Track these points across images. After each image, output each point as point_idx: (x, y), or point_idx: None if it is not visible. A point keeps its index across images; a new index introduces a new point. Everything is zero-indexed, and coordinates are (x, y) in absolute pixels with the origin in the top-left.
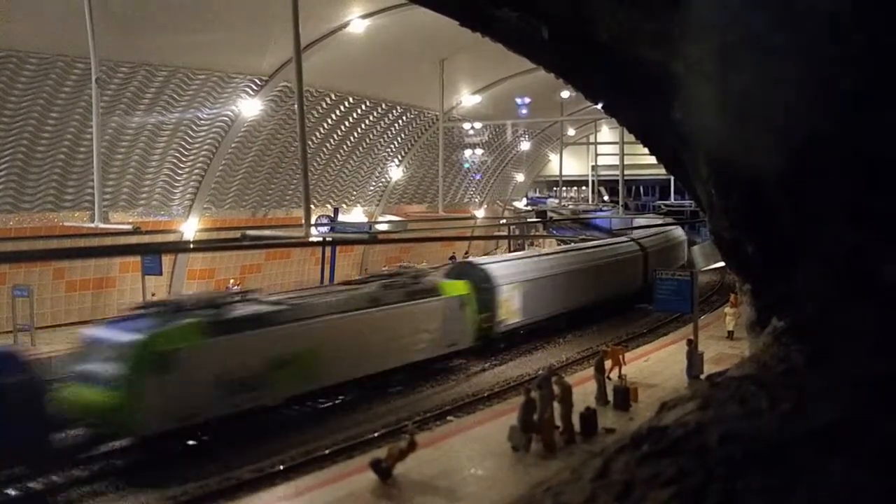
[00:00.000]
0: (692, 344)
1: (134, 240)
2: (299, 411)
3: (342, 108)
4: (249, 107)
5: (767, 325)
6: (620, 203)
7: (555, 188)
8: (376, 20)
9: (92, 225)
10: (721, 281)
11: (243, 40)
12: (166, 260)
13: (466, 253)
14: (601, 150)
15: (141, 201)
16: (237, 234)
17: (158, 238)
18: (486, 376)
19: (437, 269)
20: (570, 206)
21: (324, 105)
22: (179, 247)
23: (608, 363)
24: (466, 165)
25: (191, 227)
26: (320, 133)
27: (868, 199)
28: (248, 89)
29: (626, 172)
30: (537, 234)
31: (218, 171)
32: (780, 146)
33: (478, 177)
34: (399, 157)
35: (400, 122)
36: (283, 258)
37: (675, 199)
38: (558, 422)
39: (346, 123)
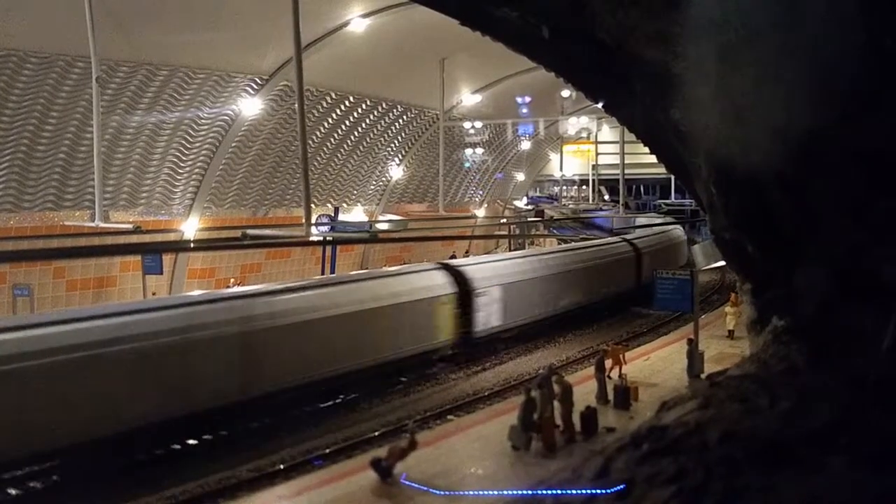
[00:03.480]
0: (693, 343)
1: (134, 239)
2: (299, 410)
3: (343, 107)
4: (250, 106)
5: (768, 324)
6: (621, 202)
7: (555, 187)
8: (377, 19)
9: (92, 224)
10: (721, 280)
11: (244, 40)
12: (167, 259)
13: (467, 252)
14: (602, 149)
15: (141, 200)
16: (238, 233)
17: (159, 237)
18: (487, 375)
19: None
20: (571, 206)
21: (324, 104)
22: (180, 246)
23: (608, 362)
24: (467, 165)
25: (191, 227)
26: (321, 132)
27: (868, 198)
28: (248, 88)
29: (626, 172)
30: (537, 233)
31: (218, 170)
32: (779, 145)
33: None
34: (399, 156)
35: (400, 121)
36: (283, 257)
37: (675, 199)
38: (559, 421)
39: (347, 122)
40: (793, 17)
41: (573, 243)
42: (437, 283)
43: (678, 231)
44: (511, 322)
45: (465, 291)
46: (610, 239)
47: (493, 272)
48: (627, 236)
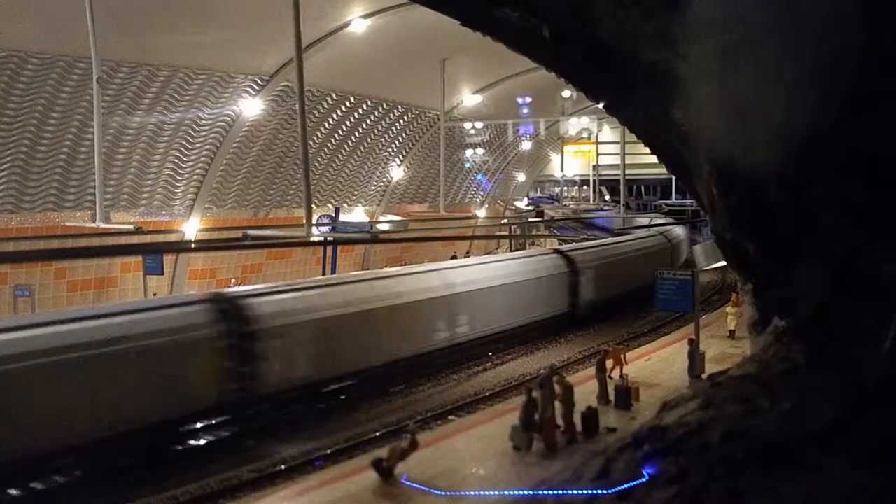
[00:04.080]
0: (693, 343)
1: (135, 240)
2: (299, 411)
3: (343, 107)
4: (251, 107)
5: (769, 324)
6: (622, 202)
7: (556, 187)
8: (377, 20)
9: (93, 225)
10: (723, 280)
11: (244, 40)
12: (167, 260)
13: (468, 253)
14: (602, 149)
15: (142, 201)
16: (238, 233)
17: (160, 238)
18: (488, 375)
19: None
20: (571, 206)
21: (325, 105)
22: (181, 247)
23: (610, 362)
24: (468, 165)
25: (192, 227)
26: (322, 133)
27: (867, 198)
28: (249, 89)
29: (627, 172)
30: (538, 233)
31: (219, 170)
32: (779, 145)
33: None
34: (400, 156)
35: (401, 121)
36: (284, 258)
37: (676, 199)
38: (560, 421)
39: (348, 123)
40: (793, 17)
41: (476, 258)
42: (191, 322)
43: (660, 238)
44: (332, 371)
45: (241, 333)
46: (535, 251)
47: (301, 304)
48: (564, 247)
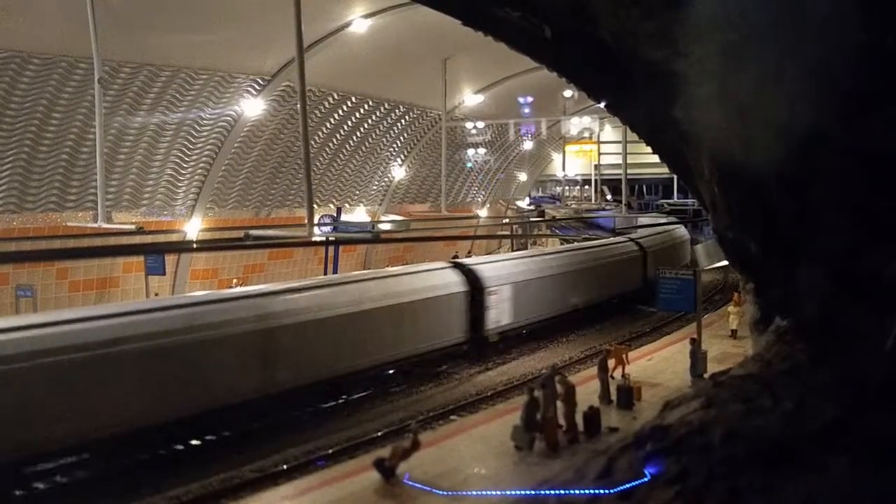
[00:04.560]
0: (695, 343)
1: (137, 240)
2: (301, 411)
3: (345, 107)
4: (252, 107)
5: (771, 323)
6: (623, 202)
7: (557, 187)
8: (379, 20)
9: (95, 225)
10: (724, 279)
11: (246, 40)
12: (169, 260)
13: (469, 252)
14: (604, 149)
15: (144, 201)
16: (240, 233)
17: (161, 238)
18: (489, 375)
19: None
20: (573, 206)
21: (326, 105)
22: (182, 247)
23: (611, 362)
24: (469, 165)
25: (194, 227)
26: (323, 132)
27: (868, 198)
28: (250, 89)
29: (629, 171)
30: (539, 233)
31: (221, 170)
32: (780, 145)
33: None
34: (402, 156)
35: (403, 121)
36: (285, 258)
37: (677, 198)
38: (562, 421)
39: (349, 123)
40: (794, 16)
41: (329, 276)
42: None
43: (628, 245)
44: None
45: None
46: (425, 265)
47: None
48: (467, 260)
